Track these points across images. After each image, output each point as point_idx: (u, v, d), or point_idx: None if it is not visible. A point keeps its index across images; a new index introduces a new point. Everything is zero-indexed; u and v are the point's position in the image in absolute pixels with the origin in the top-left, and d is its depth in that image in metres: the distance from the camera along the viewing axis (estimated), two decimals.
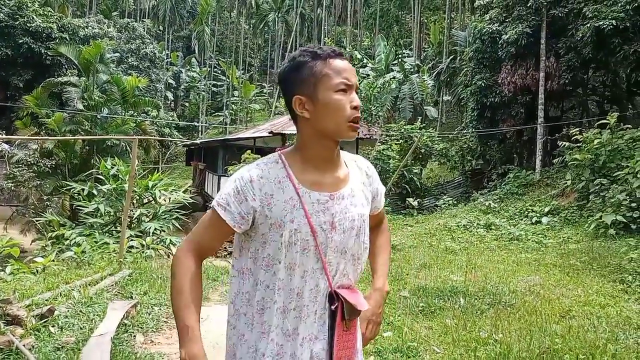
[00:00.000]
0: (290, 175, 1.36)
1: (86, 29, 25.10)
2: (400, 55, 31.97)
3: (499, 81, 15.82)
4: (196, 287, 1.37)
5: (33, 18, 22.39)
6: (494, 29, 15.75)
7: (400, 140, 16.97)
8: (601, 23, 12.36)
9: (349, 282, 1.43)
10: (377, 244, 1.68)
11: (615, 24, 12.21)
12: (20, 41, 21.67)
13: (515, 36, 14.58)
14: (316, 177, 1.39)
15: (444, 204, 15.99)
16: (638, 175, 9.18)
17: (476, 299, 5.29)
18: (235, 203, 1.35)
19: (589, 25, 12.75)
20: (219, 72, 49.15)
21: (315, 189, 1.37)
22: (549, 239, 9.79)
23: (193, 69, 46.87)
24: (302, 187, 1.36)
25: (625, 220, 8.77)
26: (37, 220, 11.38)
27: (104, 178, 9.68)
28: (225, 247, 14.54)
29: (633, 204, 8.90)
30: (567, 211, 11.38)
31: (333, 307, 1.38)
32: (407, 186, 16.40)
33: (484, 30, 16.03)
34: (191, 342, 1.31)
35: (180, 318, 1.33)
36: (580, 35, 13.15)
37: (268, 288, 1.36)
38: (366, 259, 1.52)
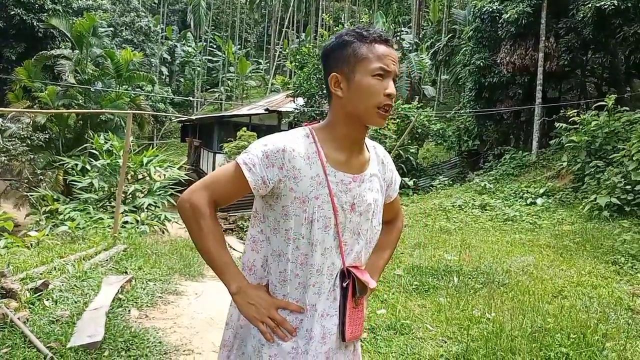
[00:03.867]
0: (320, 152, 1.36)
1: (80, 1, 24.57)
2: (398, 33, 31.61)
3: (498, 61, 15.69)
4: (220, 231, 1.43)
5: None
6: (494, 8, 15.54)
7: (397, 120, 16.88)
8: (602, 3, 12.21)
9: (360, 264, 1.46)
10: (384, 239, 1.68)
11: (616, 5, 12.06)
12: (12, 12, 21.16)
13: (516, 15, 14.40)
14: (343, 157, 1.39)
15: (440, 184, 16.00)
16: (634, 158, 9.18)
17: (470, 278, 5.32)
18: (261, 166, 1.33)
19: (590, 5, 12.59)
20: (215, 47, 48.52)
21: (341, 169, 1.38)
22: (543, 220, 9.84)
23: (188, 44, 46.25)
24: (329, 165, 1.36)
25: (619, 203, 8.81)
26: (30, 195, 11.32)
27: (97, 153, 9.61)
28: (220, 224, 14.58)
29: (628, 187, 8.93)
30: (562, 193, 11.43)
31: (345, 284, 1.39)
32: (403, 166, 16.39)
33: (484, 9, 15.82)
34: (238, 275, 1.41)
35: (218, 257, 1.40)
36: (581, 15, 12.99)
37: (289, 261, 1.37)
38: (374, 246, 1.53)
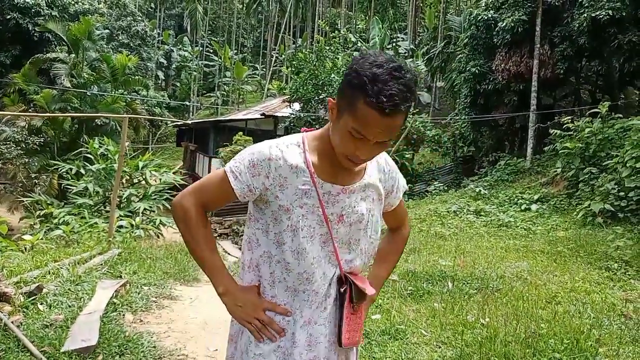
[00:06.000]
0: (308, 162, 1.36)
1: (76, 5, 24.55)
2: (394, 39, 31.79)
3: (493, 68, 15.80)
4: (211, 234, 1.48)
5: None
6: (490, 15, 15.66)
7: None
8: (598, 13, 12.32)
9: (355, 272, 1.45)
10: (386, 250, 1.65)
11: (611, 14, 12.18)
12: (8, 17, 21.16)
13: (512, 24, 14.51)
14: (331, 169, 1.38)
15: (435, 189, 16.06)
16: (627, 165, 9.23)
17: (464, 283, 5.33)
18: (247, 174, 1.35)
19: (585, 15, 12.70)
20: (211, 52, 48.56)
21: (329, 180, 1.37)
22: (537, 226, 9.88)
23: (185, 48, 46.23)
24: (317, 176, 1.36)
25: (613, 209, 8.85)
26: (25, 199, 11.26)
27: (92, 157, 9.58)
28: (215, 229, 14.55)
29: (621, 193, 8.97)
30: (556, 199, 11.48)
31: (342, 290, 1.40)
32: None
33: (480, 17, 15.94)
34: (226, 278, 1.44)
35: (209, 261, 1.44)
36: (577, 25, 13.11)
37: (279, 264, 1.39)
38: (374, 255, 1.53)
